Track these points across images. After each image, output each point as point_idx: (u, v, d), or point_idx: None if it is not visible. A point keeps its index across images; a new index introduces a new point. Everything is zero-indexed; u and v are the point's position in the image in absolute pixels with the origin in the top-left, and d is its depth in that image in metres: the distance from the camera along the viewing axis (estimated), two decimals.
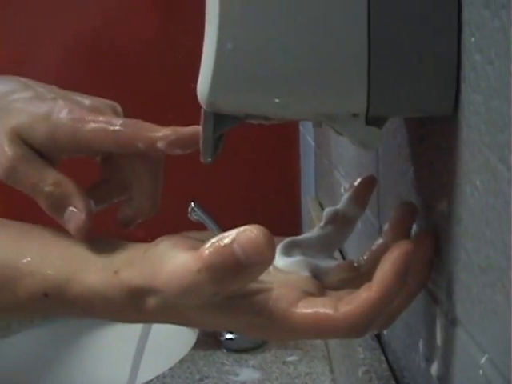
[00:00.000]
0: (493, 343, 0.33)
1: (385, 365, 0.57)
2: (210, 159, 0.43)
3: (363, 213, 0.48)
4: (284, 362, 0.94)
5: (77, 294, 0.44)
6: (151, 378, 0.94)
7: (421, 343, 0.47)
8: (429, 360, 0.44)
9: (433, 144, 0.42)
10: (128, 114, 0.56)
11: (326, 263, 0.45)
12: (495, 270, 0.32)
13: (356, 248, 0.80)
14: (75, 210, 0.48)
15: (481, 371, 0.34)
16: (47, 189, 0.48)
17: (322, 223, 0.48)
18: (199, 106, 0.41)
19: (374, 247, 0.45)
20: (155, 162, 0.52)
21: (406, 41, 0.37)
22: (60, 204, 0.48)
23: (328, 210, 0.48)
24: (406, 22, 0.37)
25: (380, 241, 0.45)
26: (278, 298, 0.39)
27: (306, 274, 0.44)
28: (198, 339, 1.05)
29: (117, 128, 0.48)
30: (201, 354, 1.00)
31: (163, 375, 0.94)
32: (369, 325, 0.38)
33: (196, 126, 0.47)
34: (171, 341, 1.13)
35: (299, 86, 0.38)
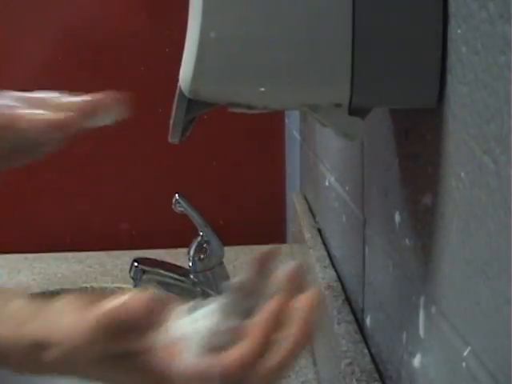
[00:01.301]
0: (476, 335, 0.33)
1: (368, 357, 0.57)
2: (177, 140, 0.45)
3: (268, 284, 0.48)
4: None
5: None
6: None
7: (404, 336, 0.47)
8: (412, 352, 0.44)
9: (418, 136, 0.42)
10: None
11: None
12: (479, 262, 0.32)
13: (340, 240, 0.80)
14: None
15: (464, 363, 0.34)
16: None
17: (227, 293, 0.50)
18: None
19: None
20: None
21: (391, 32, 0.37)
22: None
23: (233, 281, 0.50)
24: (391, 13, 0.37)
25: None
26: (163, 357, 0.42)
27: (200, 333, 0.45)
28: None
29: None
30: None
31: None
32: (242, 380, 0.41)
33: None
34: None
35: (283, 76, 0.38)
